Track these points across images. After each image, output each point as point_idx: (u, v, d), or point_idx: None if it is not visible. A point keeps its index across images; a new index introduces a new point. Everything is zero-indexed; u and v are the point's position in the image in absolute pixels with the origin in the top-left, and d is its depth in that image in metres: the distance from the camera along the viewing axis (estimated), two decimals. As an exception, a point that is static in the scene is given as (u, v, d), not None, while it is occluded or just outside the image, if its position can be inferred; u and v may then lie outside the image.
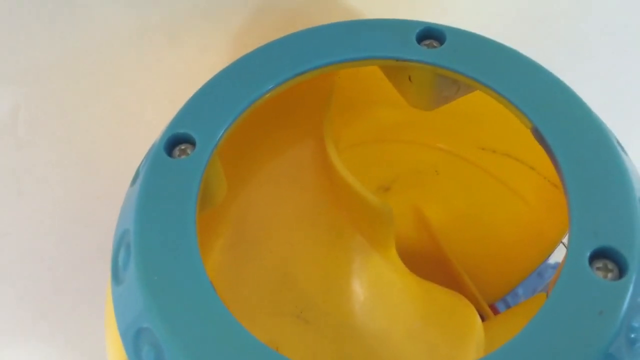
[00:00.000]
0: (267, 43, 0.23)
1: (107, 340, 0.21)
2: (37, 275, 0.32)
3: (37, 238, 0.31)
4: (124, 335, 0.18)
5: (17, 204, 0.29)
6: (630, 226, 0.17)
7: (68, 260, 0.32)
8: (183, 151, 0.20)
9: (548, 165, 0.19)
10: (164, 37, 0.27)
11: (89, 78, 0.27)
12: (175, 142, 0.20)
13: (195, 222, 0.18)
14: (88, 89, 0.27)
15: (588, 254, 0.17)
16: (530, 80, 0.21)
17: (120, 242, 0.19)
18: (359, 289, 0.27)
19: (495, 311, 0.33)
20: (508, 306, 0.34)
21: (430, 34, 0.23)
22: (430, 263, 0.33)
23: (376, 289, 0.27)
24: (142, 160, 0.21)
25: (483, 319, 0.29)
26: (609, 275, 0.17)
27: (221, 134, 0.20)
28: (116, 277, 0.19)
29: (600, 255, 0.17)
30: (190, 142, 0.20)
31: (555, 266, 0.35)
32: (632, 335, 0.16)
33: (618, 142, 0.20)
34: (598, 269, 0.17)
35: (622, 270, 0.17)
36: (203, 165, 0.20)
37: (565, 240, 0.28)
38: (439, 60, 0.22)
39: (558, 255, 0.28)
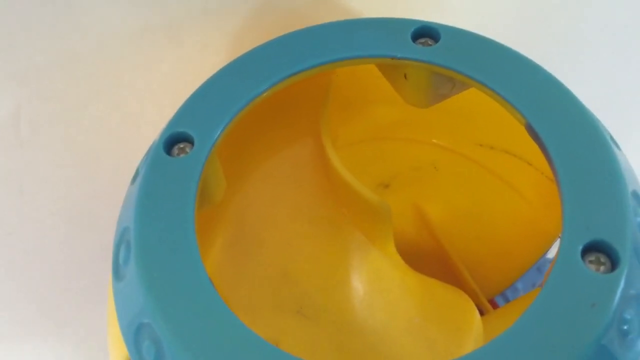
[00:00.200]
0: (264, 42, 0.23)
1: (109, 336, 0.21)
2: (40, 273, 0.32)
3: (39, 237, 0.31)
4: (124, 330, 0.18)
5: (19, 203, 0.29)
6: (622, 220, 0.18)
7: (70, 258, 0.32)
8: (182, 150, 0.20)
9: (545, 160, 0.20)
10: (164, 37, 0.27)
11: (89, 78, 0.27)
12: (174, 141, 0.21)
13: (194, 219, 0.19)
14: (89, 88, 0.27)
15: (580, 247, 0.17)
16: (524, 77, 0.21)
17: (121, 240, 0.19)
18: (358, 285, 0.27)
19: (495, 306, 0.33)
20: (507, 301, 0.34)
21: (425, 32, 0.23)
22: (429, 259, 0.33)
23: (375, 284, 0.27)
24: (142, 159, 0.22)
25: (482, 313, 0.29)
26: (601, 268, 0.17)
27: (219, 132, 0.21)
28: (117, 273, 0.19)
29: (593, 248, 0.17)
30: (189, 140, 0.21)
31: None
32: (625, 327, 0.16)
33: (611, 137, 0.20)
34: (590, 262, 0.17)
35: (614, 263, 0.17)
36: (202, 163, 0.20)
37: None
38: (434, 58, 0.22)
39: (556, 250, 0.28)
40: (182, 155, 0.20)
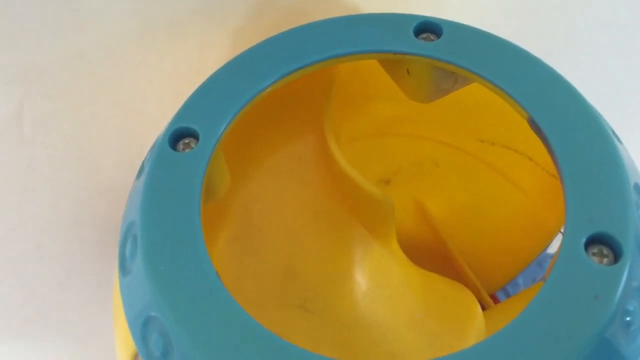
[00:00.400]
0: (267, 38, 0.23)
1: (115, 332, 0.21)
2: (43, 270, 0.32)
3: (42, 234, 0.31)
4: (132, 324, 0.18)
5: (23, 200, 0.29)
6: (625, 212, 0.18)
7: (74, 255, 0.32)
8: (187, 145, 0.20)
9: (546, 156, 0.20)
10: (166, 35, 0.27)
11: (92, 76, 0.27)
12: (179, 136, 0.21)
13: (199, 213, 0.19)
14: (91, 86, 0.27)
15: (584, 239, 0.17)
16: (526, 71, 0.21)
17: (127, 234, 0.19)
18: (361, 280, 0.27)
19: (496, 300, 0.33)
20: (508, 295, 0.34)
21: (427, 28, 0.23)
22: (431, 254, 0.33)
23: (378, 279, 0.27)
24: (147, 154, 0.22)
25: (484, 308, 0.29)
26: (605, 260, 0.17)
27: (224, 127, 0.21)
28: (123, 267, 0.19)
29: (596, 241, 0.17)
30: (194, 136, 0.21)
31: (555, 256, 0.35)
32: (628, 319, 0.17)
33: (612, 131, 0.20)
34: (594, 254, 0.17)
35: (617, 255, 0.17)
36: (206, 158, 0.20)
37: (563, 230, 0.28)
38: (436, 53, 0.22)
39: (557, 245, 0.28)
40: (187, 150, 0.20)
